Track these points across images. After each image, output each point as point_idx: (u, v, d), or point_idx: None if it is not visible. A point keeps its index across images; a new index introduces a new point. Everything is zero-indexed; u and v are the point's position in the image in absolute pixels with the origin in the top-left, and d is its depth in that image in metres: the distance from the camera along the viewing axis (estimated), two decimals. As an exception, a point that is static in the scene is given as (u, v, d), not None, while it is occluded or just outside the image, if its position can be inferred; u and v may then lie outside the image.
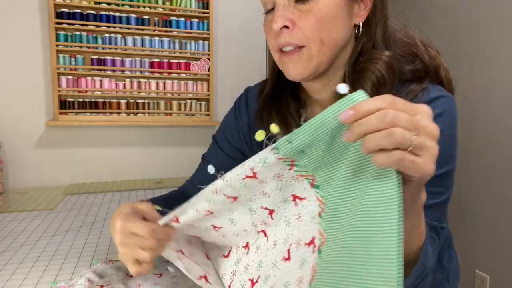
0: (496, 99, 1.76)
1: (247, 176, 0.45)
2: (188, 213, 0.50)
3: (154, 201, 0.75)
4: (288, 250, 0.50)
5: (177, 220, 0.51)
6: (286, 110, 0.68)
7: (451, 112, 0.58)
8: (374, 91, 0.57)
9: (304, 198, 0.48)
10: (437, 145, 0.36)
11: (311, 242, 0.47)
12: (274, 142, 0.43)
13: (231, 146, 0.80)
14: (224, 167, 0.79)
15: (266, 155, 0.43)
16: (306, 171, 0.45)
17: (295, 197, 0.49)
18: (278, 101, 0.69)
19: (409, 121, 0.34)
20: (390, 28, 0.62)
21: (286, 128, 0.65)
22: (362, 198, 0.39)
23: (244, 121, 0.78)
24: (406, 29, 0.65)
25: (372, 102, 0.35)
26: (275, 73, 0.70)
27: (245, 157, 0.79)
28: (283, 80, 0.68)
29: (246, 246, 0.58)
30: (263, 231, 0.54)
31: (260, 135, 0.45)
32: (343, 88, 0.40)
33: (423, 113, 0.36)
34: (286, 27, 0.57)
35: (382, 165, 0.35)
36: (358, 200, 0.40)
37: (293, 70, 0.60)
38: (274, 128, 0.45)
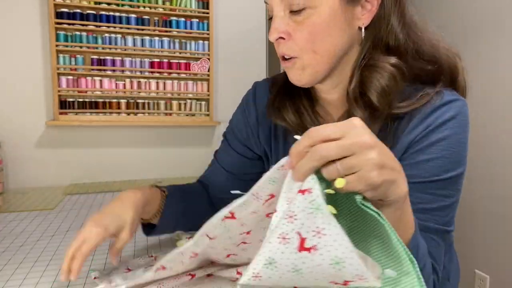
0: (496, 99, 1.76)
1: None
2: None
3: (169, 189, 0.78)
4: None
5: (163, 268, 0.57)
6: (300, 102, 0.69)
7: (463, 116, 0.59)
8: (380, 99, 0.58)
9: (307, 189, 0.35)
10: (374, 152, 0.35)
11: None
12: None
13: (239, 144, 0.81)
14: (233, 165, 0.82)
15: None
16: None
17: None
18: (291, 94, 0.71)
19: (338, 148, 0.35)
20: (406, 31, 0.60)
21: (300, 119, 0.67)
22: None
23: (252, 117, 0.78)
24: (427, 33, 0.63)
25: (295, 148, 0.37)
26: None
27: (254, 154, 0.81)
28: None
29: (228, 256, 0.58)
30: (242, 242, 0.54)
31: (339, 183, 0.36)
32: None
33: (351, 128, 0.36)
34: (282, 38, 0.58)
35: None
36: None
37: (293, 76, 0.62)
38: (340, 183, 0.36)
